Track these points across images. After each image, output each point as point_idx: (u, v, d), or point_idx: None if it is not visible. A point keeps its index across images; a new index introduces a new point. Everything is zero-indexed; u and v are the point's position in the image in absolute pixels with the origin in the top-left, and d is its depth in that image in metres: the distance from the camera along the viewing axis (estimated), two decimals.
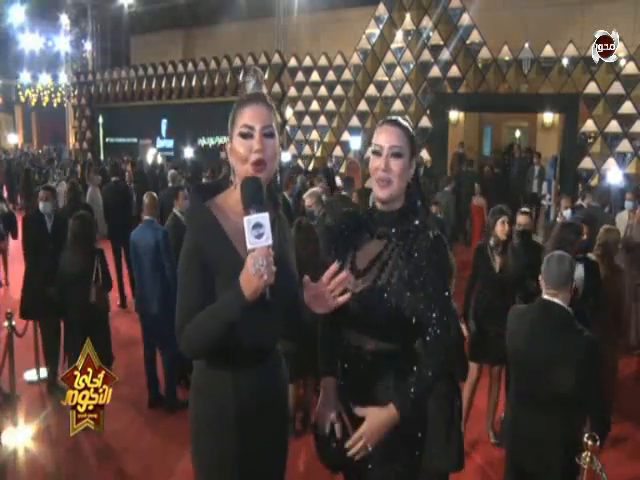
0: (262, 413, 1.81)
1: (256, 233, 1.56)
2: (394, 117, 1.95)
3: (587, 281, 4.03)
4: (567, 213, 6.33)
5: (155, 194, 5.10)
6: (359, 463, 1.83)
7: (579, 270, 3.88)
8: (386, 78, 13.98)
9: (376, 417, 1.78)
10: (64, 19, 22.54)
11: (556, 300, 2.76)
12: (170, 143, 18.67)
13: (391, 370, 1.85)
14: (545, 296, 2.82)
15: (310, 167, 14.83)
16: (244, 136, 1.72)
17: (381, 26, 14.04)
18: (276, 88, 15.98)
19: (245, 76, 1.85)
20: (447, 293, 1.86)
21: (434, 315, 1.79)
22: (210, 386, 1.80)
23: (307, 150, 15.75)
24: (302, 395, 4.46)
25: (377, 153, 1.87)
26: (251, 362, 1.80)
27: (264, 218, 1.56)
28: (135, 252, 4.74)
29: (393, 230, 1.88)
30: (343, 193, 6.67)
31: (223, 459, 1.79)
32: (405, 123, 1.92)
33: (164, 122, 18.81)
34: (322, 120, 15.16)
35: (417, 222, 1.88)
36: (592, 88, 11.63)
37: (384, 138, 1.86)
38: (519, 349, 2.83)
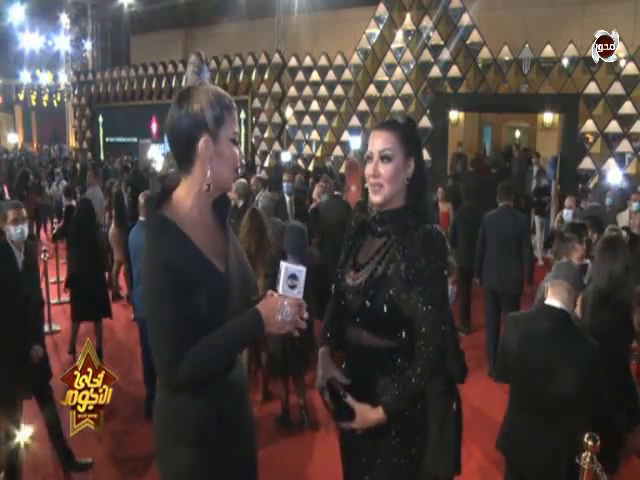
0: (233, 418, 1.79)
1: (290, 283, 1.59)
2: (388, 119, 1.98)
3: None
4: (566, 213, 6.24)
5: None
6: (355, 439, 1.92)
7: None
8: (386, 78, 13.98)
9: (363, 417, 1.82)
10: (64, 18, 22.55)
11: (557, 303, 2.75)
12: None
13: (388, 365, 1.86)
14: (547, 301, 2.81)
15: (310, 167, 14.83)
16: (235, 143, 1.72)
17: (381, 26, 14.04)
18: (276, 88, 15.99)
19: (195, 61, 1.71)
20: (443, 290, 1.85)
21: (428, 312, 1.79)
22: (179, 395, 1.72)
23: (307, 150, 15.75)
24: (294, 390, 4.57)
25: (369, 159, 1.91)
26: (226, 369, 1.77)
27: (301, 272, 1.60)
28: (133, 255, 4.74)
29: (393, 227, 1.90)
30: (336, 193, 6.77)
31: (193, 470, 1.73)
32: (399, 122, 1.92)
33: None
34: (322, 120, 15.16)
35: (416, 219, 1.88)
36: (592, 88, 11.63)
37: (373, 143, 1.90)
38: (519, 353, 2.82)
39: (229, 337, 1.63)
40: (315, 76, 15.13)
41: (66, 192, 7.89)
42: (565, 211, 6.27)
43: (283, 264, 1.59)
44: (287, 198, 6.94)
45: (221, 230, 1.79)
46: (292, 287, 1.57)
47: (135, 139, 20.03)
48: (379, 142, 1.88)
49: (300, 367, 4.42)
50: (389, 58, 13.94)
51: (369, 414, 1.81)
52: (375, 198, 1.90)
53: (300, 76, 15.45)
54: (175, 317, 1.60)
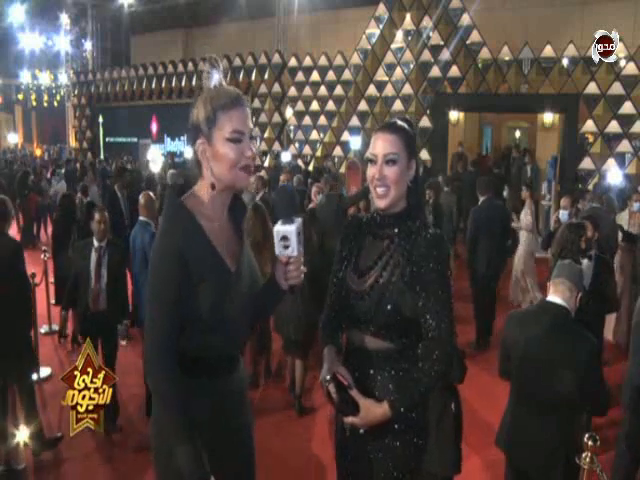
0: (232, 420, 1.81)
1: (283, 244, 1.65)
2: (391, 120, 1.93)
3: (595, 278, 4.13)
4: (562, 214, 6.19)
5: (152, 194, 5.07)
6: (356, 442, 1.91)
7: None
8: (386, 78, 13.98)
9: (367, 412, 1.81)
10: (64, 18, 22.56)
11: (559, 300, 2.76)
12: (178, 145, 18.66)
13: (391, 369, 1.86)
14: (549, 298, 2.82)
15: (310, 167, 14.83)
16: (235, 141, 1.68)
17: (381, 26, 14.04)
18: (276, 88, 15.99)
19: (206, 67, 1.71)
20: (448, 293, 1.84)
21: (434, 316, 1.79)
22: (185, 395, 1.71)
23: (307, 150, 15.75)
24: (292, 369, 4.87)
25: (372, 161, 1.87)
26: (226, 370, 1.79)
27: (291, 232, 1.65)
28: (133, 254, 4.73)
29: (395, 231, 1.89)
30: (330, 192, 6.79)
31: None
32: (401, 124, 1.89)
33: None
34: (322, 120, 15.16)
35: (418, 222, 1.88)
36: (592, 88, 11.63)
37: (378, 145, 1.85)
38: (519, 351, 2.82)
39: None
40: (315, 76, 15.13)
41: (83, 190, 8.53)
42: (561, 212, 6.22)
43: (274, 229, 1.67)
44: None
45: (236, 234, 1.82)
46: (286, 247, 1.66)
47: (135, 139, 20.04)
48: (384, 145, 1.84)
49: (305, 351, 4.73)
50: (389, 58, 13.94)
51: (374, 409, 1.80)
52: (381, 203, 1.86)
53: (300, 76, 15.44)
54: (170, 308, 1.63)
